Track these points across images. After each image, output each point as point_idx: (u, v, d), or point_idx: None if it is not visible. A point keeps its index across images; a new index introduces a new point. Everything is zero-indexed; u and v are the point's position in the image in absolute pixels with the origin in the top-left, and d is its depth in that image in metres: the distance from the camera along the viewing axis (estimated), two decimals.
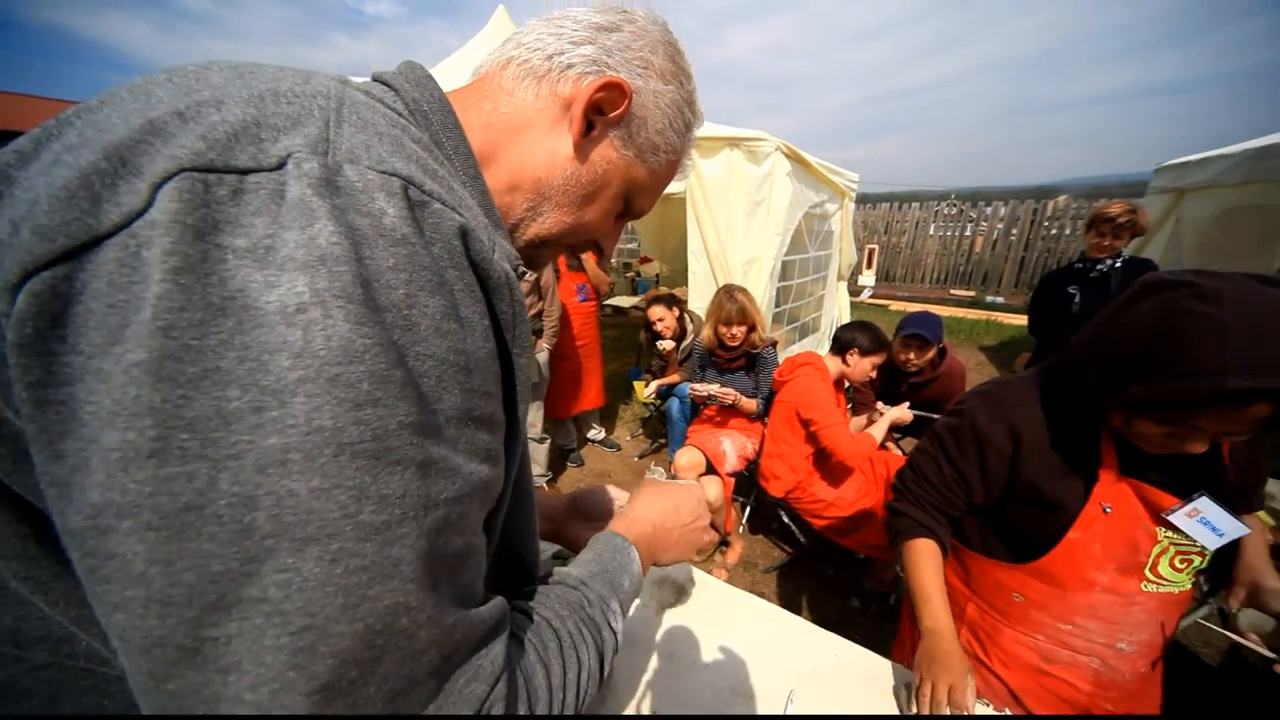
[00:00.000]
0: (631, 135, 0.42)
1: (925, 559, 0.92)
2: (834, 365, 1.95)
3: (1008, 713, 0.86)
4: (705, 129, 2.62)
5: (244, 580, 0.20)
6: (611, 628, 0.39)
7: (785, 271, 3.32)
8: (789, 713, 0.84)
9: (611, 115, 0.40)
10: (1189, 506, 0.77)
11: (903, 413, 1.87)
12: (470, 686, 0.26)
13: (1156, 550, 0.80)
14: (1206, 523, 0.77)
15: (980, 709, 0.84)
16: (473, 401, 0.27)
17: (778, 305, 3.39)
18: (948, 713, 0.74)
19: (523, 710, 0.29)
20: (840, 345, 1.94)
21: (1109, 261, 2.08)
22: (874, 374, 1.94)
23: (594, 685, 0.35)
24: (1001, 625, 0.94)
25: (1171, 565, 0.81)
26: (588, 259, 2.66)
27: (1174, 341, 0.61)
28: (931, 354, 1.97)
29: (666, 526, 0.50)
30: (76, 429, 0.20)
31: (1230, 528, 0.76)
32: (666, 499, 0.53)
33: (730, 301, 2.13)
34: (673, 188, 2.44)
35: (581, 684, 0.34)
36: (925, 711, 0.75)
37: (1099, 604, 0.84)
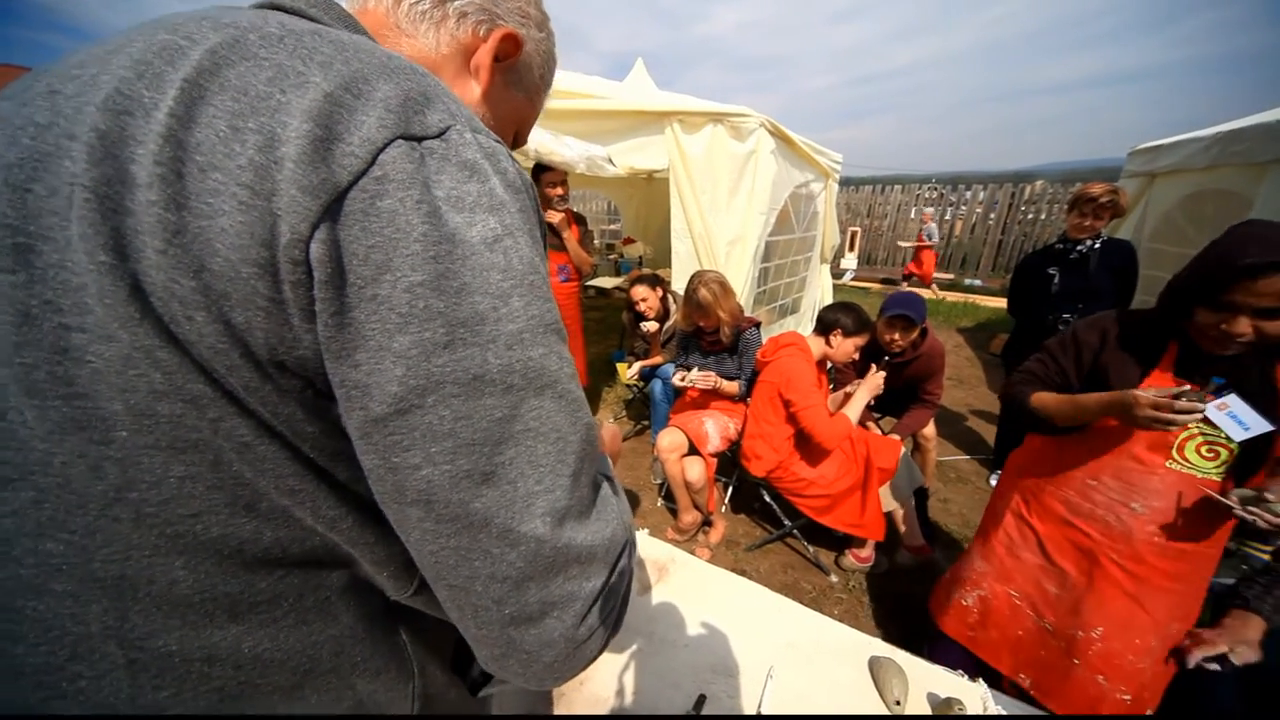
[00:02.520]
0: (521, 79, 0.48)
1: (1048, 396, 1.14)
2: (817, 346, 1.94)
3: (1018, 712, 0.88)
4: (688, 102, 2.55)
5: (513, 419, 0.29)
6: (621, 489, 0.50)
7: (769, 251, 3.29)
8: (769, 687, 0.84)
9: (506, 62, 0.45)
10: (1219, 400, 0.90)
11: (874, 379, 1.88)
12: (604, 485, 0.37)
13: (1184, 435, 0.97)
14: (1234, 416, 0.89)
15: (993, 708, 0.86)
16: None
17: (760, 285, 3.37)
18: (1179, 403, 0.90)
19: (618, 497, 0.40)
20: (824, 326, 1.93)
21: (1088, 242, 2.11)
22: (857, 355, 1.94)
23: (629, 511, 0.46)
24: (1044, 484, 1.18)
25: (1198, 452, 0.97)
26: (569, 238, 2.60)
27: (1216, 248, 0.90)
28: (914, 334, 1.99)
29: (608, 442, 0.62)
30: (365, 342, 0.26)
31: (1255, 423, 0.89)
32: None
33: (694, 292, 2.09)
34: (656, 164, 2.35)
35: (627, 506, 0.43)
36: (1167, 413, 0.90)
37: (1124, 467, 1.04)
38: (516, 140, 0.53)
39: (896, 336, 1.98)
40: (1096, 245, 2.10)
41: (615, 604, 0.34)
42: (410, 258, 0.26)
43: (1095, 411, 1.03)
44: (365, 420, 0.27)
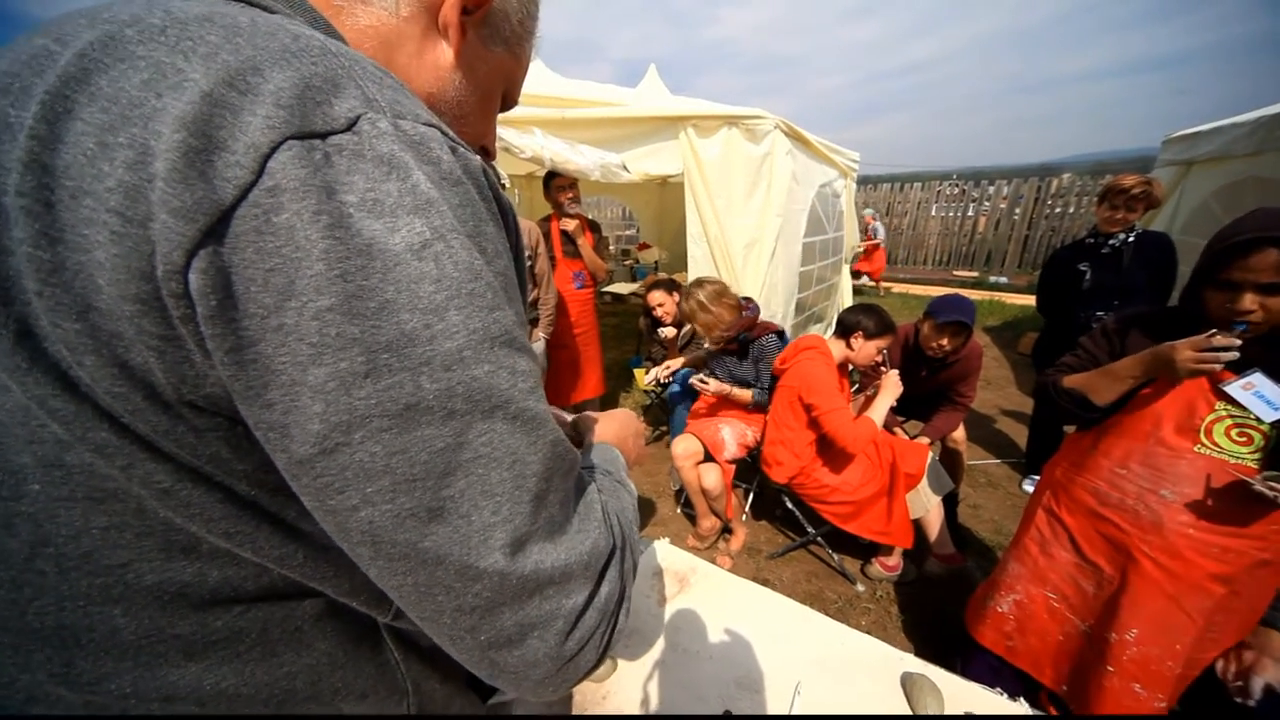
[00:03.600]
0: (498, 30, 0.41)
1: (1080, 374, 1.13)
2: (838, 349, 1.90)
3: (1032, 712, 0.84)
4: (702, 107, 2.55)
5: (459, 448, 0.26)
6: (628, 487, 0.46)
7: (806, 254, 3.25)
8: (796, 704, 0.82)
9: (477, 15, 0.39)
10: (1244, 379, 0.87)
11: (893, 380, 1.83)
12: (589, 492, 0.35)
13: (1211, 417, 0.94)
14: (1261, 396, 0.86)
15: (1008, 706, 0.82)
16: (519, 311, 0.32)
17: (803, 290, 3.33)
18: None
19: (604, 506, 0.36)
20: (845, 328, 1.89)
21: (1121, 236, 2.02)
22: (880, 358, 1.89)
23: (636, 517, 0.43)
24: (1074, 476, 1.15)
25: (1228, 435, 0.93)
26: (584, 244, 2.61)
27: (1219, 231, 0.94)
28: (963, 339, 1.92)
29: (623, 435, 0.59)
30: (276, 378, 0.23)
31: None
32: (614, 421, 0.61)
33: (682, 301, 2.08)
34: (671, 169, 2.34)
35: (628, 505, 0.41)
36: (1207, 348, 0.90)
37: (1151, 453, 1.01)
38: (506, 102, 0.47)
39: (945, 342, 1.90)
40: (1130, 239, 2.01)
41: (609, 613, 0.32)
42: (314, 279, 0.22)
43: (1133, 372, 1.02)
44: (290, 462, 0.24)
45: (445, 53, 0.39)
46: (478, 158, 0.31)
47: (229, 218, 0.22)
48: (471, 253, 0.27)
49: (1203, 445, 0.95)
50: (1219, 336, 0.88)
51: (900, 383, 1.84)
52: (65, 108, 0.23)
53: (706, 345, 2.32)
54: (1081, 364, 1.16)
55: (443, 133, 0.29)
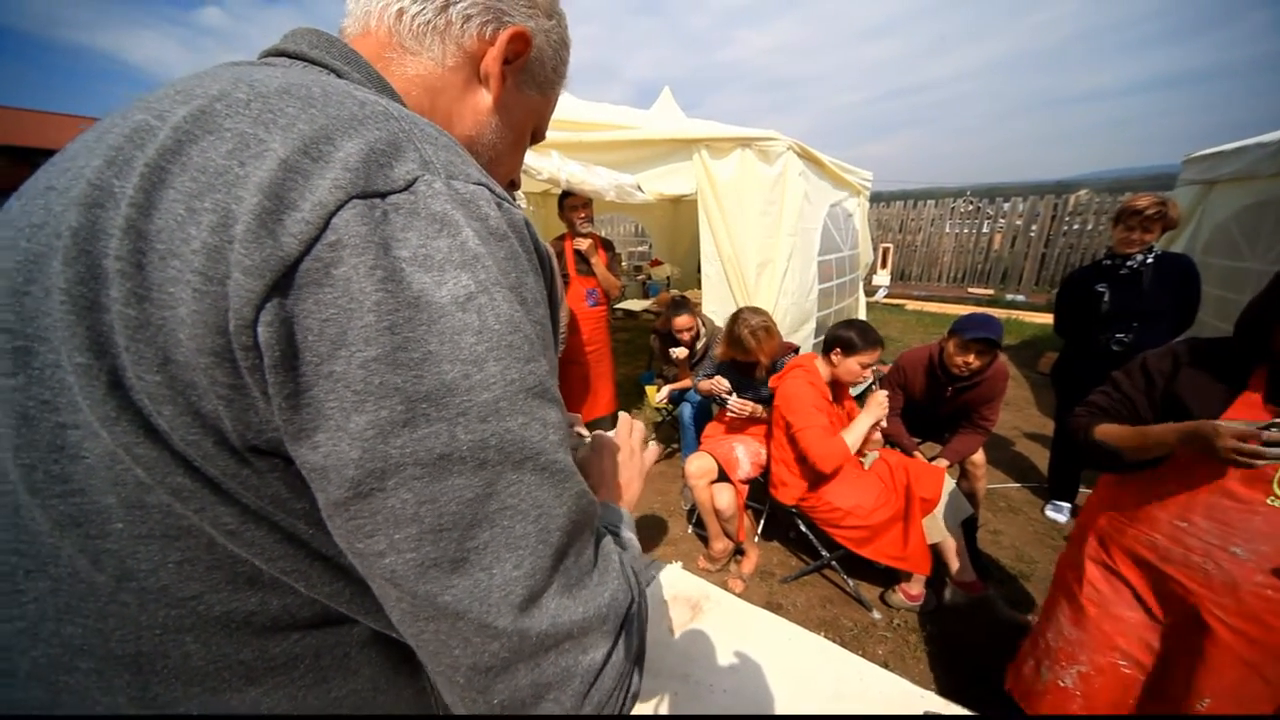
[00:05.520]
0: (533, 76, 0.45)
1: (1112, 428, 1.03)
2: (825, 367, 1.90)
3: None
4: (715, 129, 2.58)
5: (487, 499, 0.26)
6: (635, 546, 0.45)
7: (823, 273, 3.26)
8: None
9: (517, 64, 0.42)
10: None
11: (878, 401, 1.80)
12: (605, 544, 0.34)
13: None
14: None
15: None
16: (552, 360, 0.33)
17: (823, 308, 3.32)
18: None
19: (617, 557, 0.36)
20: (826, 345, 1.89)
21: (1139, 257, 1.99)
22: (869, 374, 1.87)
23: (640, 560, 0.43)
24: (1125, 527, 1.03)
25: None
26: (597, 263, 2.64)
27: None
28: (989, 358, 1.88)
29: (627, 475, 0.55)
30: (324, 423, 0.24)
31: None
32: (609, 458, 0.56)
33: (737, 333, 2.06)
34: (684, 190, 2.37)
35: (630, 564, 0.41)
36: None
37: (1217, 506, 0.89)
38: (534, 138, 0.50)
39: (972, 359, 1.87)
40: (1149, 260, 1.98)
41: (625, 671, 0.31)
42: (364, 330, 0.24)
43: (1168, 444, 0.91)
44: (327, 503, 0.26)
45: (485, 98, 0.42)
46: (521, 211, 0.32)
47: (293, 271, 0.24)
48: (513, 305, 0.28)
49: (1276, 498, 0.85)
50: (1275, 431, 0.79)
51: (886, 404, 1.82)
52: (160, 178, 0.25)
53: (715, 360, 2.32)
54: (1113, 404, 1.06)
55: (490, 190, 0.30)
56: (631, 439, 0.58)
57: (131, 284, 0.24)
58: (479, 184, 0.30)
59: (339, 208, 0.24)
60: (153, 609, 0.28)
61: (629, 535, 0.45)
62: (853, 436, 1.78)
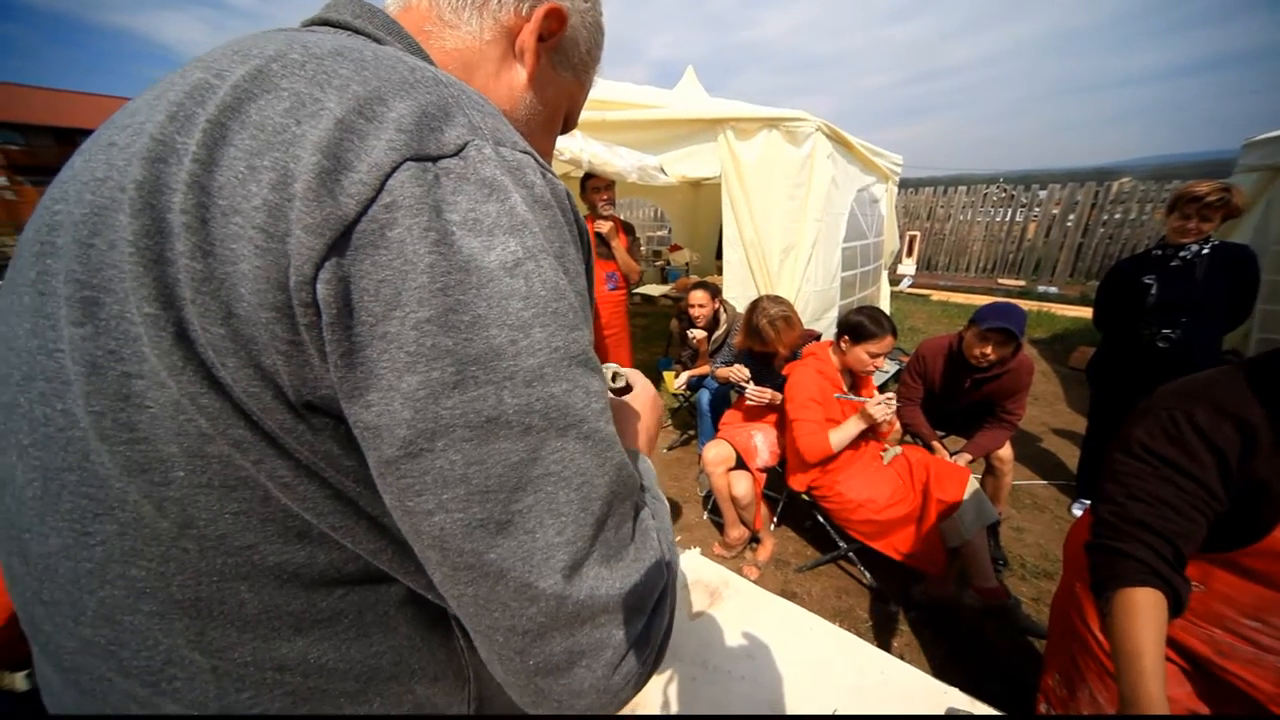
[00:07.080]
0: (567, 56, 0.45)
1: (1150, 615, 0.69)
2: (835, 355, 1.87)
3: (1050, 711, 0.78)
4: (742, 109, 2.51)
5: (532, 463, 0.27)
6: (664, 503, 0.46)
7: (847, 261, 3.18)
8: None
9: (551, 41, 0.43)
10: None
11: (871, 405, 1.75)
12: (643, 517, 0.34)
13: None
14: None
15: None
16: (592, 334, 0.33)
17: (845, 297, 3.26)
18: None
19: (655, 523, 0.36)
20: (837, 331, 1.86)
21: (1194, 247, 1.87)
22: (880, 363, 1.82)
23: (671, 528, 0.42)
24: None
25: None
26: (618, 246, 2.61)
27: None
28: (1009, 350, 1.81)
29: (647, 424, 0.54)
30: (377, 382, 0.25)
31: None
32: (644, 404, 0.55)
33: (755, 323, 2.05)
34: (708, 172, 2.35)
35: (668, 526, 0.40)
36: None
37: None
38: (567, 124, 0.50)
39: (989, 350, 1.80)
40: (1205, 251, 1.86)
41: (654, 645, 0.32)
42: (417, 291, 0.24)
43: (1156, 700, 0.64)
44: (379, 461, 0.26)
45: (520, 74, 0.42)
46: (563, 183, 0.32)
47: (350, 231, 0.24)
48: (558, 272, 0.28)
49: None
50: None
51: (882, 410, 1.75)
52: (221, 134, 0.25)
53: (734, 348, 2.29)
54: (1174, 508, 0.74)
55: (535, 159, 0.30)
56: (645, 386, 0.57)
57: (196, 238, 0.25)
58: (525, 151, 0.30)
59: (394, 169, 0.25)
60: (211, 556, 0.29)
61: (659, 493, 0.45)
62: (838, 437, 1.77)
